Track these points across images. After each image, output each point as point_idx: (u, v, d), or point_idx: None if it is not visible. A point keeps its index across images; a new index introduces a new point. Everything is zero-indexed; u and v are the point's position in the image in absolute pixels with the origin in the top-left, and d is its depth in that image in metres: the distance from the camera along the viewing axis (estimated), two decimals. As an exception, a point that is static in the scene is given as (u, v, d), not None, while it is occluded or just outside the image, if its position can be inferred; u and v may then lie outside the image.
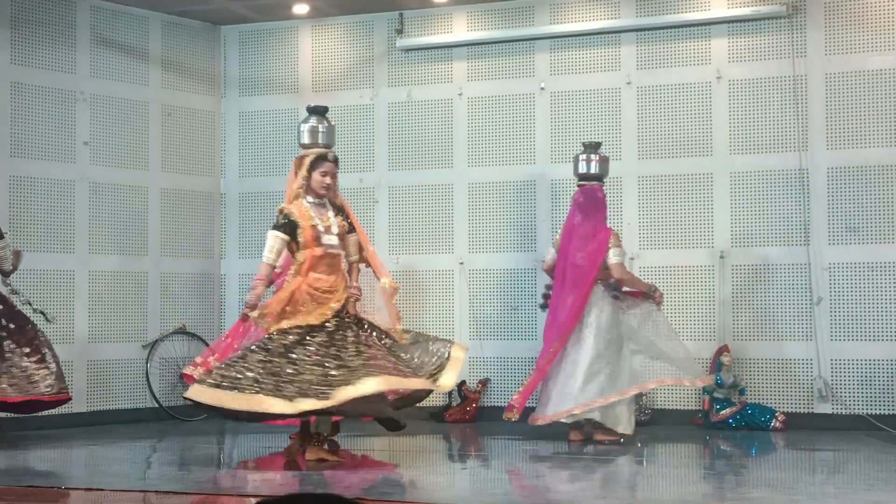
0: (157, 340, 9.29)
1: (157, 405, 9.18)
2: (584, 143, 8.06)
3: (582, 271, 7.65)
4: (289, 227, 6.65)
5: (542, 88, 9.18)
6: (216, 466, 7.21)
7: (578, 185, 7.95)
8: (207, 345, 9.48)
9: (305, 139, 6.97)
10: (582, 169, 7.92)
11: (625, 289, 7.77)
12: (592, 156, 7.89)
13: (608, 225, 7.82)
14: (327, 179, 6.73)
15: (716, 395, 8.43)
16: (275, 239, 6.66)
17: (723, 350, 8.51)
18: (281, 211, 6.73)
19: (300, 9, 9.48)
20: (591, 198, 7.80)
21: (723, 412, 8.40)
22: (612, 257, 7.64)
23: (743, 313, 8.65)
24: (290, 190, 6.83)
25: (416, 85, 9.49)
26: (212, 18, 9.74)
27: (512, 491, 6.29)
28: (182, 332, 9.43)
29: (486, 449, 8.01)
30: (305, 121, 7.03)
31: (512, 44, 9.27)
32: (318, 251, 6.62)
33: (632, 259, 8.77)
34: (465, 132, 9.35)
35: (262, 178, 9.79)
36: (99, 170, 9.11)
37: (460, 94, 9.38)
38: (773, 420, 8.34)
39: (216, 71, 9.89)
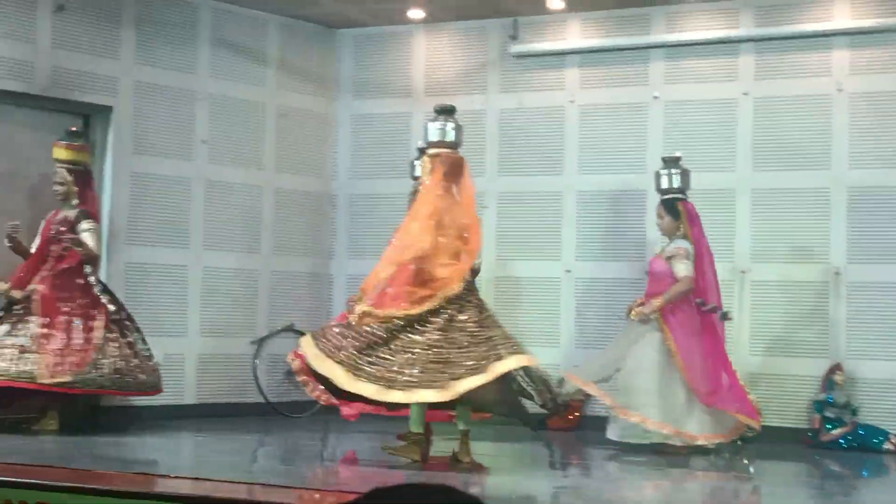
0: (265, 337, 9.43)
1: (264, 400, 9.32)
2: (664, 158, 8.06)
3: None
4: None
5: (656, 97, 9.09)
6: (320, 461, 7.29)
7: (680, 199, 7.92)
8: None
9: (433, 137, 6.88)
10: (665, 184, 7.98)
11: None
12: (674, 170, 7.95)
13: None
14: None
15: (827, 414, 8.24)
16: None
17: (836, 368, 8.32)
18: None
19: (415, 14, 9.56)
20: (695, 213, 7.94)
21: (833, 432, 8.20)
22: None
23: (857, 331, 8.44)
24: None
25: (528, 91, 9.49)
26: (328, 22, 9.88)
27: (611, 501, 6.24)
28: (290, 329, 9.56)
29: (588, 458, 7.95)
30: (433, 119, 6.96)
31: (626, 52, 9.21)
32: None
33: (743, 273, 8.63)
34: (576, 140, 9.31)
35: (373, 180, 9.88)
36: (215, 168, 9.30)
37: (572, 102, 9.34)
38: (886, 442, 8.11)
39: (331, 74, 10.02)
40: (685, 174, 7.99)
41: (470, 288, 6.59)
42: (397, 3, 9.27)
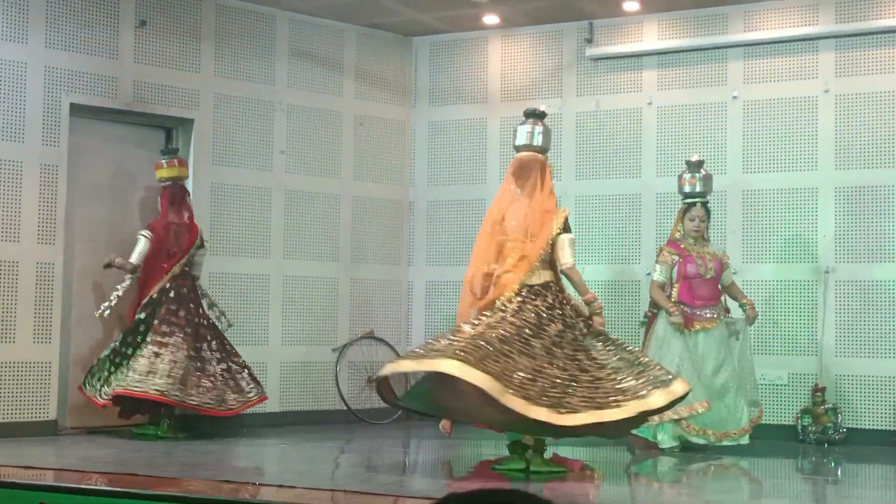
0: (346, 345, 9.51)
1: (345, 407, 9.39)
2: (687, 162, 8.17)
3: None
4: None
5: (735, 97, 8.99)
6: (402, 469, 7.32)
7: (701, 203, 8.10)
8: (395, 350, 9.66)
9: (521, 141, 6.87)
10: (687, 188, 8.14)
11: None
12: (697, 174, 8.09)
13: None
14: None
15: (916, 415, 8.06)
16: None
17: (924, 369, 8.14)
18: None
19: (490, 19, 9.57)
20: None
21: (923, 434, 8.02)
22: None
23: (946, 331, 8.25)
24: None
25: (604, 94, 9.44)
26: (404, 30, 9.93)
27: (699, 501, 6.18)
28: (370, 337, 9.63)
29: (666, 464, 7.88)
30: (522, 123, 6.94)
31: (703, 52, 9.12)
32: None
33: (826, 273, 8.49)
34: (654, 142, 9.24)
35: (450, 186, 9.91)
36: (294, 177, 9.40)
37: (650, 104, 9.28)
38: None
39: (407, 81, 10.07)
40: (708, 178, 8.13)
41: (550, 296, 6.47)
42: (472, 9, 9.30)
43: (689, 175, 8.10)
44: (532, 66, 9.72)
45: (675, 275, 8.03)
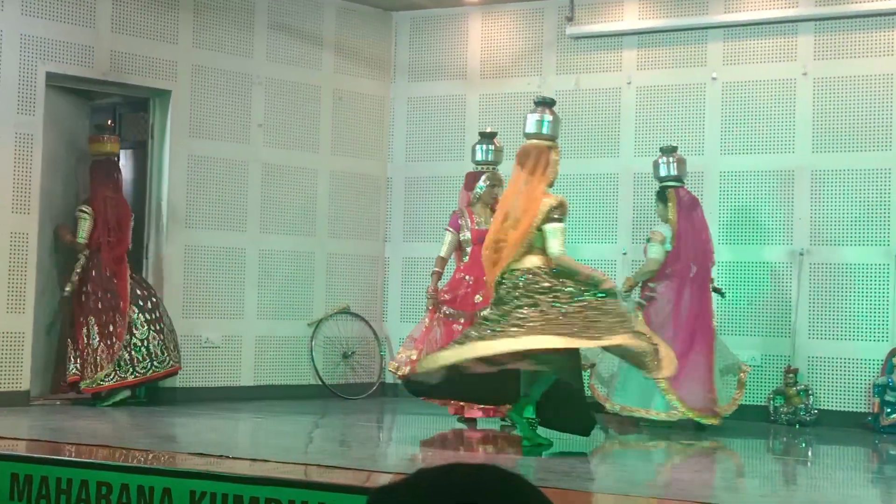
0: (321, 320, 9.50)
1: (320, 382, 9.39)
2: (661, 147, 8.28)
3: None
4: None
5: (714, 79, 9.00)
6: (376, 444, 7.34)
7: (671, 187, 8.19)
8: (371, 326, 9.66)
9: (530, 129, 7.00)
10: (665, 171, 8.23)
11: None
12: (671, 158, 8.20)
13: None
14: None
15: (887, 398, 8.14)
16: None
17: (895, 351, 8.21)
18: (562, 203, 6.79)
19: (471, -4, 9.54)
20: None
21: (893, 416, 8.10)
22: None
23: (918, 315, 8.31)
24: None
25: (584, 73, 9.44)
26: (384, 5, 9.89)
27: (666, 482, 6.22)
28: (346, 312, 9.62)
29: (640, 440, 7.92)
30: (532, 111, 7.07)
31: (684, 33, 9.12)
32: None
33: (801, 255, 8.54)
34: (633, 121, 9.25)
35: (429, 162, 9.89)
36: (271, 151, 9.36)
37: (629, 83, 9.28)
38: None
39: (387, 56, 10.04)
40: (681, 162, 8.21)
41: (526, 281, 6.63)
42: (453, -15, 9.26)
43: (663, 160, 8.21)
44: (512, 43, 9.70)
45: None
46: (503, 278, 6.65)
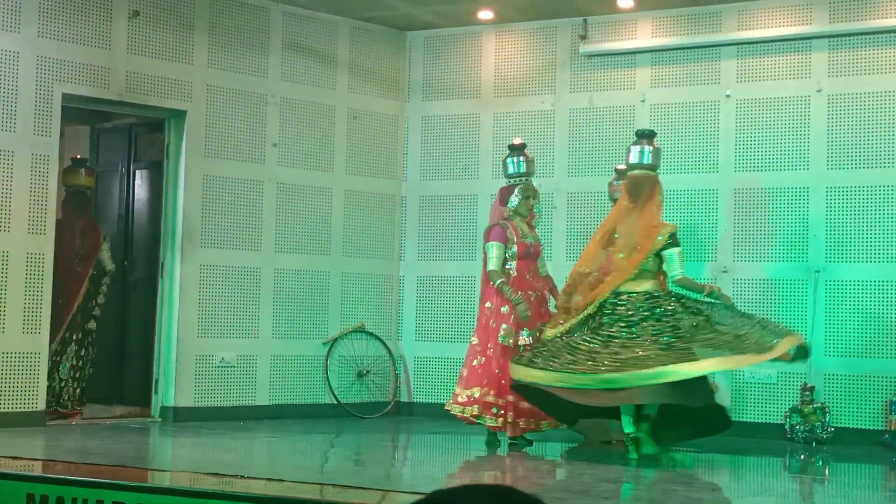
0: (336, 338, 9.50)
1: (335, 401, 9.39)
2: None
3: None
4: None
5: (728, 96, 9.00)
6: (391, 463, 7.33)
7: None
8: (386, 344, 9.67)
9: (633, 160, 7.43)
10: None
11: None
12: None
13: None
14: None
15: (904, 415, 8.09)
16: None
17: (912, 369, 8.17)
18: (676, 229, 7.28)
19: (485, 15, 9.57)
20: None
21: (911, 434, 8.05)
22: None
23: (935, 332, 8.27)
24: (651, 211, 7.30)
25: (597, 91, 9.45)
26: (398, 24, 9.92)
27: (682, 497, 6.19)
28: (361, 330, 9.63)
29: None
30: (634, 143, 7.50)
31: (697, 50, 9.12)
32: None
33: (817, 272, 8.51)
34: (647, 139, 9.23)
35: (443, 181, 9.90)
36: (286, 171, 9.39)
37: (643, 101, 9.28)
38: (966, 445, 7.94)
39: (401, 76, 10.07)
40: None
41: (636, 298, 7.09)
42: (467, 4, 9.29)
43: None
44: (526, 61, 9.72)
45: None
46: (610, 301, 7.07)
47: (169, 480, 6.02)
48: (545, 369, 6.92)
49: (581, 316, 7.14)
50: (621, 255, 7.17)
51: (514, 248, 7.65)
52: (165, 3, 8.79)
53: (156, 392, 8.76)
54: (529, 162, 8.03)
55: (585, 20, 9.42)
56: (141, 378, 9.03)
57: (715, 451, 7.60)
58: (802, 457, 7.84)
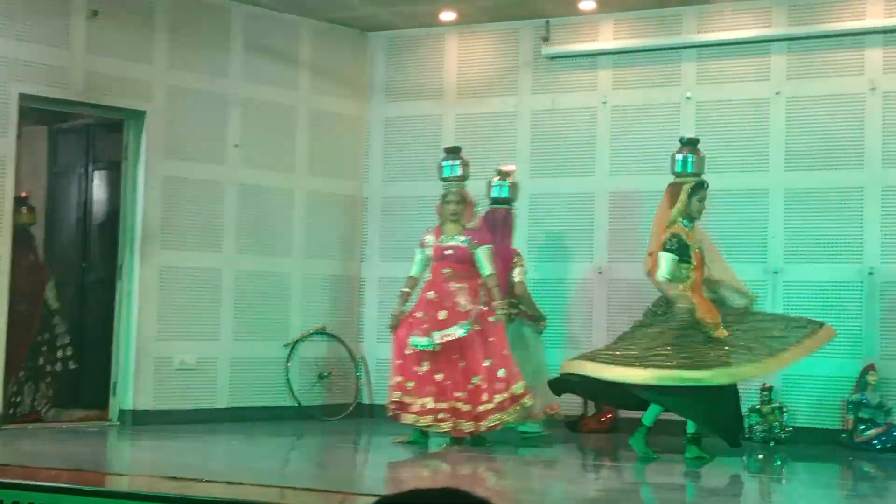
0: (297, 340, 9.46)
1: (296, 404, 9.36)
2: (497, 170, 8.53)
3: None
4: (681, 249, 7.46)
5: (689, 98, 9.05)
6: (352, 466, 7.31)
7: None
8: (347, 346, 9.64)
9: (677, 167, 7.66)
10: (494, 193, 8.46)
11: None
12: (504, 181, 8.47)
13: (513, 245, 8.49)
14: (705, 204, 7.56)
15: (860, 415, 8.17)
16: (669, 260, 7.43)
17: (868, 369, 8.24)
18: (674, 235, 7.44)
19: (447, 16, 9.56)
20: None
21: (867, 433, 8.13)
22: (518, 276, 8.30)
23: (891, 331, 8.35)
24: (668, 215, 7.51)
25: (560, 92, 9.47)
26: (360, 25, 9.90)
27: (638, 501, 6.22)
28: (322, 332, 9.60)
29: (621, 460, 7.93)
30: (679, 151, 7.68)
31: (658, 52, 9.17)
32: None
33: (775, 273, 8.57)
34: (608, 141, 9.28)
35: (405, 182, 9.89)
36: (247, 172, 9.34)
37: (604, 103, 9.31)
38: (922, 443, 8.03)
39: (363, 76, 10.04)
40: (514, 187, 8.51)
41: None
42: (429, 5, 9.28)
43: (499, 181, 8.52)
44: (488, 63, 9.73)
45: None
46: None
47: (127, 484, 5.98)
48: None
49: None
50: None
51: (430, 252, 7.87)
52: (124, 2, 8.72)
53: (114, 395, 8.70)
54: (465, 165, 8.08)
55: (548, 22, 9.44)
56: (99, 381, 8.94)
57: (674, 452, 7.63)
58: (761, 456, 7.89)
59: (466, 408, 7.47)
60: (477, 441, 7.66)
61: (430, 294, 7.79)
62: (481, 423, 7.50)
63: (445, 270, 7.81)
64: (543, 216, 9.42)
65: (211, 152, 9.16)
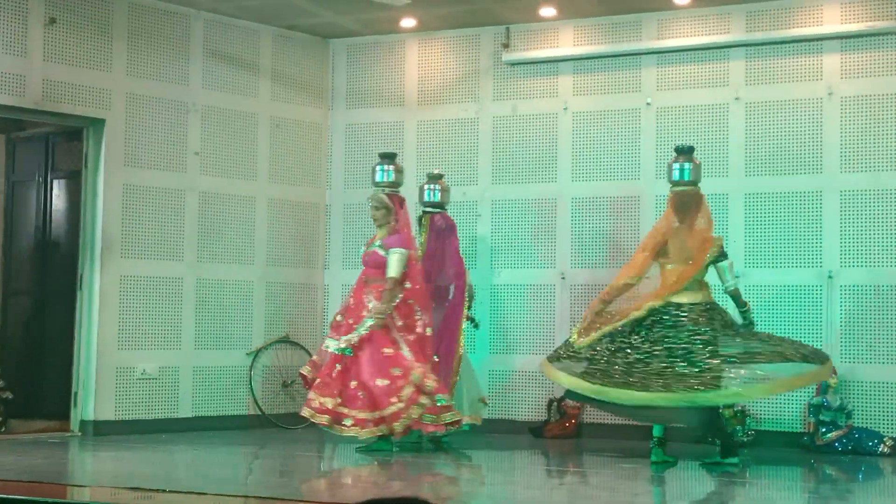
0: (260, 349, 9.42)
1: (259, 412, 9.31)
2: (428, 174, 8.72)
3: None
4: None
5: (649, 104, 9.10)
6: (316, 475, 7.27)
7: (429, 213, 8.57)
8: (310, 354, 9.60)
9: (675, 177, 7.68)
10: (426, 197, 8.65)
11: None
12: (436, 185, 8.62)
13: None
14: None
15: (822, 417, 8.24)
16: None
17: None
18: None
19: (407, 23, 9.57)
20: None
21: (829, 436, 8.20)
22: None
23: (851, 335, 8.44)
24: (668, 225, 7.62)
25: (521, 99, 9.49)
26: (321, 32, 9.88)
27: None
28: (285, 340, 9.56)
29: (585, 465, 7.95)
30: (675, 160, 7.69)
31: (618, 58, 9.22)
32: None
33: (737, 277, 8.63)
34: (570, 147, 9.32)
35: (367, 189, 9.82)
36: (208, 179, 9.29)
37: (565, 109, 9.35)
38: (882, 445, 8.11)
39: (324, 83, 10.02)
40: (445, 191, 8.67)
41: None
42: (390, 12, 9.28)
43: (431, 186, 8.66)
44: (449, 70, 9.74)
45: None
46: (661, 309, 7.36)
47: (88, 496, 5.92)
48: (604, 384, 7.30)
49: (625, 321, 7.43)
50: (671, 267, 7.49)
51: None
52: (83, 9, 8.66)
53: (75, 406, 8.62)
54: (399, 172, 8.25)
55: (508, 28, 9.46)
56: (60, 391, 8.85)
57: (638, 457, 7.66)
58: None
59: (367, 415, 7.53)
60: (435, 444, 7.75)
61: (351, 301, 7.97)
62: (395, 423, 7.53)
63: (364, 277, 7.97)
64: (505, 222, 9.44)
65: (171, 160, 9.11)
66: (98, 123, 8.75)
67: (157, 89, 9.03)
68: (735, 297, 7.64)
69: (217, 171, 9.35)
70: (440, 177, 8.77)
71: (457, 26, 9.60)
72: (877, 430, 8.24)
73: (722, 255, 7.56)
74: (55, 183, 9.59)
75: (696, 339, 7.27)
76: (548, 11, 9.16)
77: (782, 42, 8.76)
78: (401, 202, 8.16)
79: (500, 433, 8.97)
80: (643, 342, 7.36)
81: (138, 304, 8.81)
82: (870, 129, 8.52)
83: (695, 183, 7.68)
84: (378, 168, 8.29)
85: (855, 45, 8.58)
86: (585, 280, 9.14)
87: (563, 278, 9.23)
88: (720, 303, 7.70)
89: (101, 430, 8.49)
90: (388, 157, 8.33)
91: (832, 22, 8.62)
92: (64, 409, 8.72)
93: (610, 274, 9.02)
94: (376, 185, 8.26)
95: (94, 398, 8.56)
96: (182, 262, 9.11)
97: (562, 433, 8.93)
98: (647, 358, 7.30)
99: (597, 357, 7.45)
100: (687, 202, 7.61)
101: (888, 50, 8.51)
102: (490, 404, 8.92)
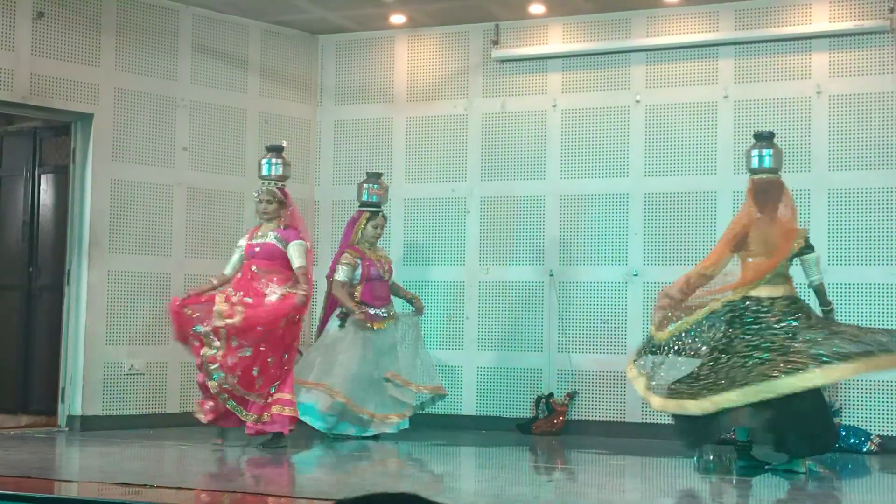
0: (248, 344, 9.39)
1: (247, 408, 9.29)
2: (367, 173, 8.76)
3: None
4: None
5: (638, 101, 9.11)
6: (304, 470, 7.27)
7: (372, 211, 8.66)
8: (300, 352, 9.58)
9: (754, 164, 7.22)
10: (364, 197, 8.68)
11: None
12: (374, 186, 8.67)
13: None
14: None
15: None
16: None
17: (817, 370, 8.32)
18: None
19: (397, 19, 9.56)
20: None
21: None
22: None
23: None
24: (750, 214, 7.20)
25: (510, 96, 9.50)
26: (310, 28, 9.87)
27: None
28: (274, 336, 9.52)
29: (573, 462, 7.96)
30: (754, 147, 7.22)
31: (607, 56, 9.23)
32: None
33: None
34: (559, 144, 9.33)
35: (355, 185, 9.84)
36: (196, 175, 9.28)
37: (554, 106, 9.36)
38: (868, 443, 8.15)
39: (313, 79, 10.01)
40: (384, 190, 8.75)
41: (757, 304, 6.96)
42: (379, 8, 9.28)
43: (371, 185, 8.68)
44: (438, 66, 9.74)
45: (357, 276, 8.49)
46: (741, 305, 6.93)
47: (76, 491, 5.91)
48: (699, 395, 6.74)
49: (701, 314, 7.04)
50: (751, 260, 7.08)
51: (242, 252, 8.00)
52: (71, 3, 8.63)
53: (62, 401, 8.60)
54: (286, 166, 8.09)
55: (497, 25, 9.47)
56: (47, 387, 8.84)
57: (627, 453, 7.67)
58: (711, 457, 7.93)
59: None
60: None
61: (238, 294, 7.71)
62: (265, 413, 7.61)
63: (254, 268, 7.83)
64: (493, 219, 9.45)
65: (159, 155, 9.09)
66: (86, 118, 8.73)
67: (145, 84, 9.01)
68: (820, 293, 7.15)
69: (205, 166, 9.34)
70: (379, 175, 8.76)
71: (446, 23, 9.61)
72: (863, 427, 8.27)
73: (808, 248, 7.11)
74: (43, 178, 9.56)
75: (777, 332, 6.85)
76: (537, 9, 9.16)
77: (771, 40, 8.78)
78: (286, 195, 8.02)
79: (487, 430, 8.99)
80: (723, 337, 6.95)
81: (126, 299, 8.79)
82: (858, 128, 8.54)
83: (776, 170, 7.19)
84: (265, 162, 8.02)
85: (843, 45, 8.61)
86: (573, 277, 9.16)
87: (551, 275, 9.24)
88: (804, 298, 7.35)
89: (89, 426, 8.47)
90: (275, 150, 8.06)
91: (821, 21, 8.65)
92: (51, 404, 8.71)
93: (599, 271, 9.06)
94: (263, 178, 8.00)
95: (81, 393, 8.55)
96: (170, 258, 9.09)
97: (550, 430, 8.95)
98: (725, 355, 6.86)
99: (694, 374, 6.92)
100: (767, 190, 7.12)
101: (876, 49, 8.53)
102: (478, 401, 8.93)
